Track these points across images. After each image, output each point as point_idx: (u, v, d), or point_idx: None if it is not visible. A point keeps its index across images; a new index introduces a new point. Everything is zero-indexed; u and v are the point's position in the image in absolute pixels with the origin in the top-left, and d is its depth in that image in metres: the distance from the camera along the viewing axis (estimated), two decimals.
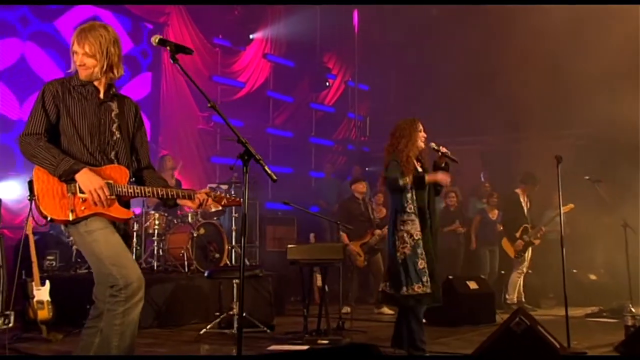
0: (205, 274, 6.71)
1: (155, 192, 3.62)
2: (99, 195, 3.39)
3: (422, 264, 5.35)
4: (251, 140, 12.00)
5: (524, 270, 9.59)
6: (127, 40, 11.24)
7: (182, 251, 8.20)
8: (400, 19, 14.66)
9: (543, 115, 13.77)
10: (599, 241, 10.43)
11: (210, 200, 3.79)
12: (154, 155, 11.59)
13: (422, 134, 5.59)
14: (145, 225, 8.32)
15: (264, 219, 10.60)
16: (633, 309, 6.03)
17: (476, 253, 11.10)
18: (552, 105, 13.56)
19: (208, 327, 6.57)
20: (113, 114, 3.64)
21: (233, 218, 9.02)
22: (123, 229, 3.62)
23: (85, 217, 3.40)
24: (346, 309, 9.25)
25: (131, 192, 3.55)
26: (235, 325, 6.45)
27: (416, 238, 5.36)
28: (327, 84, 13.98)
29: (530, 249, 9.58)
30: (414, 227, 5.40)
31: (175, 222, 8.67)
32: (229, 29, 12.75)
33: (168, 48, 3.54)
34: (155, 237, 8.25)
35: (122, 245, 3.48)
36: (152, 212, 8.53)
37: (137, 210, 8.81)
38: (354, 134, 15.45)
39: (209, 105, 3.54)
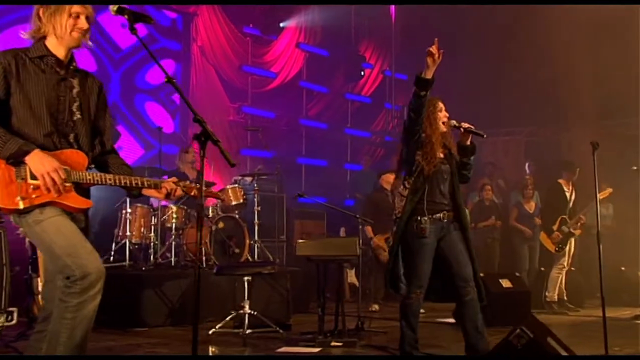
0: (215, 271, 6.33)
1: (117, 180, 3.26)
2: (52, 179, 3.02)
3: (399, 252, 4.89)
4: (284, 132, 11.79)
5: (565, 265, 8.96)
6: (153, 31, 11.01)
7: (201, 246, 7.87)
8: (439, 6, 14.04)
9: (591, 104, 13.09)
10: None
11: (178, 190, 3.36)
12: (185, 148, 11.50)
13: (444, 114, 4.93)
14: (163, 219, 8.01)
15: (292, 212, 10.20)
16: None
17: (514, 249, 10.51)
18: (599, 93, 12.85)
19: (218, 326, 6.23)
20: (74, 92, 3.27)
21: (256, 211, 8.62)
22: (82, 220, 3.24)
23: (37, 206, 3.03)
24: (374, 307, 8.83)
25: (90, 180, 3.20)
26: (246, 324, 6.08)
27: (403, 220, 4.82)
28: (362, 73, 13.47)
29: (572, 242, 8.95)
30: (403, 207, 4.86)
31: (195, 215, 8.35)
32: (260, 17, 12.39)
33: (126, 17, 3.11)
34: (173, 232, 7.93)
35: (77, 234, 3.10)
36: (172, 205, 8.23)
37: (155, 203, 8.56)
38: (391, 125, 14.88)
39: (165, 80, 3.08)
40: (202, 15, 11.73)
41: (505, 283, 7.58)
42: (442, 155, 4.88)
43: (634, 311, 8.52)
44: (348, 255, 5.47)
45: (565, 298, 8.94)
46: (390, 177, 9.12)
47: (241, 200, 8.44)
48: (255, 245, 8.52)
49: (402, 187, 4.87)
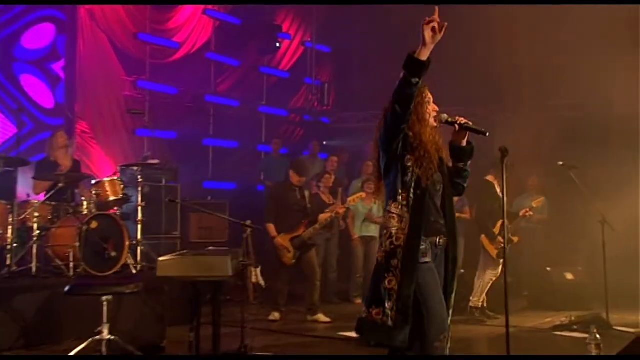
0: (65, 290, 5.41)
1: None
2: None
3: (390, 281, 3.77)
4: (189, 109, 10.79)
5: (497, 274, 8.38)
6: None
7: (69, 250, 6.95)
8: None
9: (530, 83, 12.60)
10: (578, 234, 9.25)
11: None
12: (70, 127, 10.47)
13: (433, 107, 3.99)
14: (22, 217, 7.04)
15: (188, 204, 9.34)
16: (598, 335, 4.85)
17: None
18: (540, 72, 12.36)
19: (75, 351, 5.38)
20: None
21: (139, 208, 7.72)
22: None
23: None
24: (274, 316, 8.14)
25: None
26: (104, 350, 5.27)
27: (396, 244, 3.76)
28: (278, 45, 12.57)
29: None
30: (398, 228, 3.79)
31: (67, 213, 7.40)
32: None
33: None
34: (35, 233, 6.97)
35: None
36: (34, 200, 7.27)
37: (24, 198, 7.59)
38: (313, 103, 14.06)
39: None
40: None
41: None
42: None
43: (557, 317, 8.11)
44: (218, 276, 4.68)
45: (485, 305, 8.40)
46: (296, 176, 8.39)
47: (120, 195, 7.52)
48: (139, 247, 7.65)
49: (392, 202, 3.85)
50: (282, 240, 8.09)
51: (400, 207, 3.79)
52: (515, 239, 8.35)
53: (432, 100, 4.03)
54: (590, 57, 10.38)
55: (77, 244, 6.90)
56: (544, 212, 10.14)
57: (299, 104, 14.22)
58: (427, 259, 3.78)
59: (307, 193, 8.44)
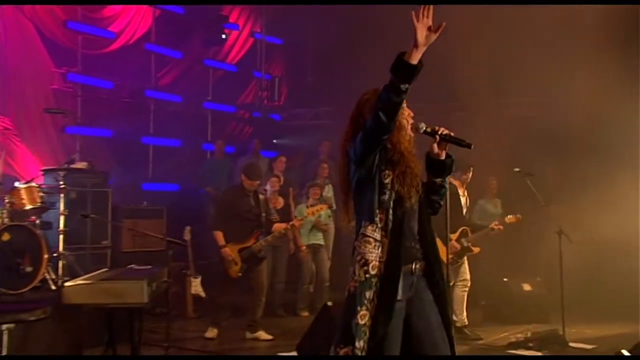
0: None
1: None
2: None
3: (363, 316, 3.30)
4: (127, 105, 10.05)
5: (469, 280, 7.93)
6: None
7: None
8: None
9: (487, 80, 12.17)
10: (536, 243, 8.85)
11: None
12: None
13: (408, 113, 3.55)
14: None
15: (120, 210, 8.66)
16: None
17: None
18: (499, 70, 11.95)
19: None
20: None
21: (61, 216, 7.04)
22: None
23: None
24: (212, 332, 7.56)
25: None
26: None
27: (372, 273, 3.30)
28: (224, 36, 11.89)
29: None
30: (374, 254, 3.34)
31: None
32: None
33: None
34: None
35: None
36: None
37: None
38: (262, 98, 13.38)
39: None
40: None
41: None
42: None
43: (513, 332, 7.78)
44: (131, 303, 4.10)
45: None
46: (247, 179, 7.79)
47: (38, 203, 6.83)
48: (60, 260, 6.96)
49: (367, 224, 3.39)
50: (230, 250, 7.49)
51: (377, 230, 3.36)
52: (476, 249, 7.89)
53: (406, 107, 3.56)
54: (552, 56, 10.03)
55: None
56: (496, 217, 9.71)
57: (248, 99, 13.58)
58: (399, 296, 3.31)
59: (262, 199, 7.83)
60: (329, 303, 6.26)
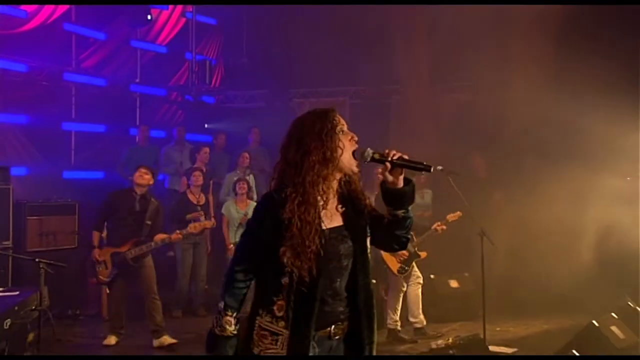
0: None
1: None
2: None
3: None
4: (44, 89, 8.76)
5: (421, 277, 7.22)
6: None
7: None
8: None
9: (426, 62, 11.29)
10: (462, 240, 8.08)
11: None
12: None
13: (351, 137, 2.74)
14: None
15: (24, 207, 7.61)
16: None
17: None
18: (433, 49, 11.07)
19: None
20: None
21: None
22: None
23: None
24: (110, 340, 6.71)
25: None
26: None
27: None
28: (150, 17, 10.74)
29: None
30: (275, 350, 2.62)
31: None
32: None
33: None
34: None
35: None
36: None
37: None
38: (194, 80, 12.28)
39: None
40: None
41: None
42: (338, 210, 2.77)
43: (438, 331, 7.23)
44: None
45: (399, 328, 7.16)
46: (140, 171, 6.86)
47: None
48: None
49: (263, 312, 2.71)
50: (101, 253, 6.70)
51: (275, 321, 2.63)
52: (423, 254, 7.10)
53: (345, 126, 2.76)
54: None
55: None
56: (429, 208, 8.96)
57: (181, 82, 12.47)
58: None
59: (153, 204, 6.85)
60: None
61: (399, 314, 7.16)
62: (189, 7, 12.34)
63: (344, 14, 10.94)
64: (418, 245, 7.06)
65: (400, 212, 2.77)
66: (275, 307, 2.60)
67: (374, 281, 7.31)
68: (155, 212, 6.80)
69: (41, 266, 4.93)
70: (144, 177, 6.73)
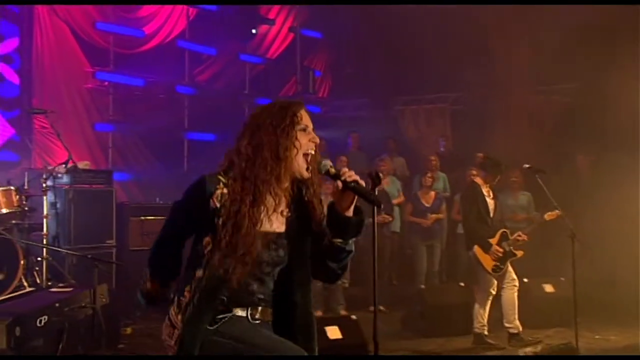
0: None
1: None
2: None
3: None
4: (160, 101, 9.02)
5: (516, 280, 6.48)
6: None
7: None
8: None
9: (527, 67, 10.59)
10: (551, 242, 7.34)
11: None
12: (27, 124, 8.99)
13: (312, 137, 2.42)
14: None
15: (126, 208, 7.75)
16: None
17: (412, 249, 8.33)
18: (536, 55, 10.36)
19: None
20: None
21: (45, 219, 6.18)
22: None
23: None
24: None
25: None
26: None
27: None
28: (254, 31, 10.78)
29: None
30: (171, 334, 2.35)
31: None
32: None
33: None
34: None
35: None
36: None
37: None
38: (302, 91, 12.18)
39: None
40: None
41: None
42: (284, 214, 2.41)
43: (534, 337, 6.45)
44: None
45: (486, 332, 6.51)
46: None
47: (15, 207, 5.98)
48: (44, 263, 6.11)
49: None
50: None
51: (177, 313, 2.33)
52: (519, 253, 6.42)
53: (310, 127, 2.40)
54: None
55: None
56: (530, 210, 8.27)
57: (290, 93, 12.44)
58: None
59: None
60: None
61: (486, 317, 6.54)
62: (296, 22, 12.30)
63: (444, 22, 10.53)
64: (513, 244, 6.39)
65: (337, 241, 2.36)
66: (182, 298, 2.30)
67: (461, 284, 6.98)
68: None
69: (96, 264, 4.83)
70: None
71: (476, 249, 6.27)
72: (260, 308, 2.37)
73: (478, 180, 6.41)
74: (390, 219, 8.05)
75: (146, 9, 10.27)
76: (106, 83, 9.69)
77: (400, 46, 11.24)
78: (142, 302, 2.44)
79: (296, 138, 2.32)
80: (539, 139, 9.83)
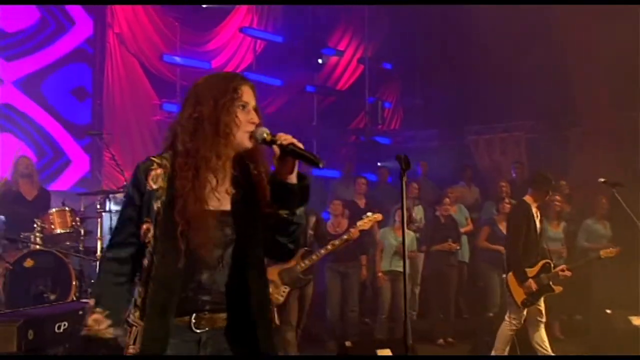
0: None
1: None
2: None
3: None
4: None
5: (542, 319, 5.69)
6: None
7: None
8: None
9: (605, 94, 9.93)
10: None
11: None
12: (98, 155, 9.12)
13: (249, 115, 2.22)
14: None
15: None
16: None
17: (483, 279, 7.72)
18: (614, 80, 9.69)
19: None
20: None
21: (99, 241, 6.07)
22: None
23: None
24: None
25: None
26: None
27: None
28: (320, 61, 10.63)
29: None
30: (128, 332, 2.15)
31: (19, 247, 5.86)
32: None
33: None
34: None
35: None
36: None
37: None
38: (364, 121, 11.89)
39: None
40: None
41: None
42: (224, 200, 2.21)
43: None
44: None
45: None
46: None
47: (69, 228, 5.90)
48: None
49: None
50: (270, 272, 6.05)
51: (133, 310, 2.18)
52: (558, 288, 5.72)
53: (250, 103, 2.23)
54: None
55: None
56: (604, 239, 7.52)
57: (361, 125, 12.17)
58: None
59: (312, 213, 6.36)
60: (347, 343, 4.69)
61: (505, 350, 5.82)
62: (367, 53, 12.10)
63: (517, 47, 10.10)
64: (553, 278, 5.71)
65: (282, 212, 2.16)
66: (136, 293, 2.13)
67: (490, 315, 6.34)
68: (316, 223, 6.31)
69: None
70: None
71: (510, 276, 5.65)
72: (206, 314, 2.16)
73: (527, 198, 5.81)
74: (458, 247, 7.52)
75: (214, 43, 10.36)
76: (173, 115, 9.72)
77: (471, 74, 10.87)
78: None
79: (236, 115, 2.16)
80: (620, 161, 9.13)
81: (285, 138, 2.15)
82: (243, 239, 2.17)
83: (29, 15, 8.58)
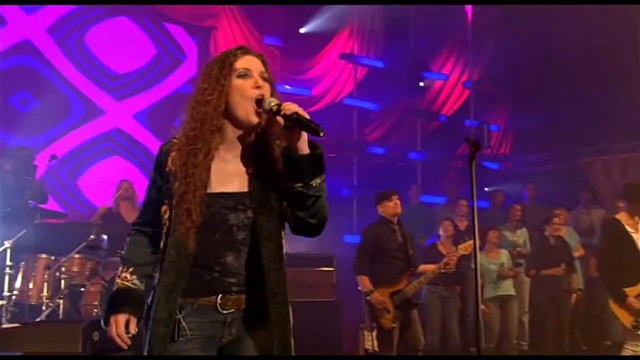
0: None
1: None
2: None
3: None
4: (335, 158, 8.96)
5: None
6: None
7: (95, 310, 5.48)
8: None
9: None
10: None
11: None
12: None
13: (252, 79, 2.19)
14: (59, 273, 5.75)
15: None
16: None
17: (599, 307, 7.04)
18: None
19: None
20: None
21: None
22: None
23: None
24: None
25: None
26: None
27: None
28: (421, 84, 10.32)
29: None
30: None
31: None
32: (278, 22, 9.90)
33: None
34: (64, 289, 5.63)
35: None
36: (77, 255, 5.93)
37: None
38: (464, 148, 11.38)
39: None
40: (222, 29, 9.54)
41: None
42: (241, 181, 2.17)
43: None
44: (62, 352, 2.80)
45: None
46: (390, 205, 5.99)
47: None
48: None
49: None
50: (381, 295, 5.68)
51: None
52: None
53: (254, 72, 2.21)
54: None
55: (97, 302, 5.39)
56: None
57: (467, 151, 11.65)
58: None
59: (407, 231, 6.01)
60: None
61: None
62: (472, 77, 11.69)
63: (633, 62, 9.38)
64: None
65: (297, 186, 2.06)
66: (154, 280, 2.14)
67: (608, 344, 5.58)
68: (411, 240, 5.98)
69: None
70: (399, 206, 5.93)
71: (611, 302, 5.06)
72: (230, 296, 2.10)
73: (621, 216, 5.19)
74: (573, 272, 6.91)
75: (315, 70, 10.36)
76: None
77: (585, 93, 10.20)
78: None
79: (234, 86, 2.13)
80: None
81: (289, 107, 2.06)
82: (261, 220, 2.10)
83: (145, 53, 8.96)
